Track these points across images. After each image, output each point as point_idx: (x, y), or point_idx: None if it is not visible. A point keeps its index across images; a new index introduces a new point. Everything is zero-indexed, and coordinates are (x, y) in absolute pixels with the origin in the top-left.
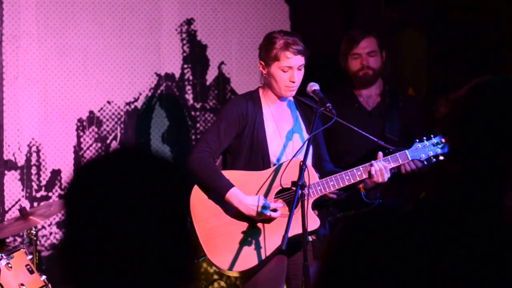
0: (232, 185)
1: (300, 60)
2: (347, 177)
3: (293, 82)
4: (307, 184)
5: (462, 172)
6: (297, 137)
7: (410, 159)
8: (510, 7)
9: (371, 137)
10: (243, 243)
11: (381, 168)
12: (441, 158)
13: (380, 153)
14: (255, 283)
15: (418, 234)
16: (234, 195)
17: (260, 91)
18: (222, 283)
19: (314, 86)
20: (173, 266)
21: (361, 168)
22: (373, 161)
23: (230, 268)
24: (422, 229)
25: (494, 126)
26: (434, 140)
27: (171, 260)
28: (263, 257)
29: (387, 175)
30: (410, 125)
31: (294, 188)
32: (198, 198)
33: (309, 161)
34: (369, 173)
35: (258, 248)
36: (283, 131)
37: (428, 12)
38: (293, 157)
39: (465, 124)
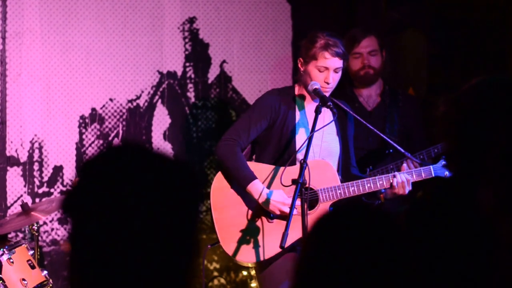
0: (254, 177)
1: (337, 62)
2: (368, 185)
3: (328, 83)
4: (308, 182)
5: (459, 172)
6: (327, 138)
7: (433, 175)
8: (510, 7)
9: (385, 137)
10: (257, 236)
11: (403, 180)
12: None
13: (405, 165)
14: (270, 274)
15: (407, 234)
16: (254, 188)
17: (296, 88)
18: (222, 280)
19: (315, 85)
20: (175, 263)
21: (383, 178)
22: (396, 173)
23: (239, 258)
24: (412, 228)
25: (493, 127)
26: None
27: (173, 257)
28: (273, 253)
29: (408, 188)
30: (410, 125)
31: (314, 188)
32: (219, 185)
33: (336, 163)
34: (391, 184)
35: (269, 243)
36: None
37: (429, 13)
38: (294, 155)
39: (463, 125)
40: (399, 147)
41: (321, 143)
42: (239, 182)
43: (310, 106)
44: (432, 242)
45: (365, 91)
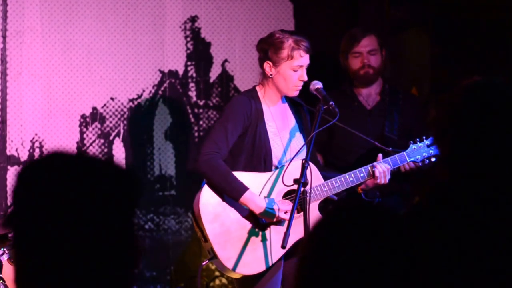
0: (246, 188)
1: (308, 59)
2: (351, 179)
3: (303, 81)
4: (310, 181)
5: (452, 177)
6: (296, 137)
7: (408, 160)
8: None
9: (368, 138)
10: (256, 246)
11: (384, 170)
12: (433, 159)
13: (380, 155)
14: (254, 285)
15: (406, 235)
16: (249, 199)
17: (259, 90)
18: (224, 280)
19: (317, 85)
20: (114, 266)
21: (363, 170)
22: (375, 163)
23: (240, 270)
24: (411, 231)
25: (485, 132)
26: (427, 142)
27: (113, 260)
28: (275, 260)
29: (388, 177)
30: (410, 124)
31: (300, 187)
32: (208, 199)
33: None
34: (373, 174)
35: (270, 251)
36: (282, 131)
37: (432, 12)
38: (294, 157)
39: (454, 130)
40: (370, 140)
41: (290, 143)
42: (230, 194)
43: (276, 107)
44: (432, 246)
45: (364, 90)
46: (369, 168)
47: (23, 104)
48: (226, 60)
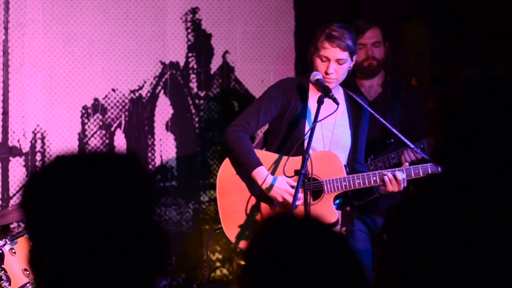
0: (260, 164)
1: (338, 53)
2: (374, 178)
3: (327, 73)
4: (311, 173)
5: (447, 169)
6: (338, 129)
7: (430, 171)
8: None
9: (387, 124)
10: (258, 222)
11: (400, 179)
12: None
13: (406, 164)
14: None
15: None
16: (259, 174)
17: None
18: (225, 271)
19: (317, 76)
20: (136, 257)
21: (389, 172)
22: (396, 170)
23: (241, 244)
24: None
25: (479, 125)
26: None
27: (134, 252)
28: None
29: (403, 185)
30: (412, 116)
31: (319, 179)
32: (226, 171)
33: (345, 157)
34: (395, 177)
35: None
36: (325, 120)
37: (431, 3)
38: (295, 146)
39: (448, 123)
40: (405, 139)
41: (331, 134)
42: (245, 167)
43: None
44: (422, 238)
45: (367, 82)
46: (397, 172)
47: (25, 95)
48: (226, 52)
